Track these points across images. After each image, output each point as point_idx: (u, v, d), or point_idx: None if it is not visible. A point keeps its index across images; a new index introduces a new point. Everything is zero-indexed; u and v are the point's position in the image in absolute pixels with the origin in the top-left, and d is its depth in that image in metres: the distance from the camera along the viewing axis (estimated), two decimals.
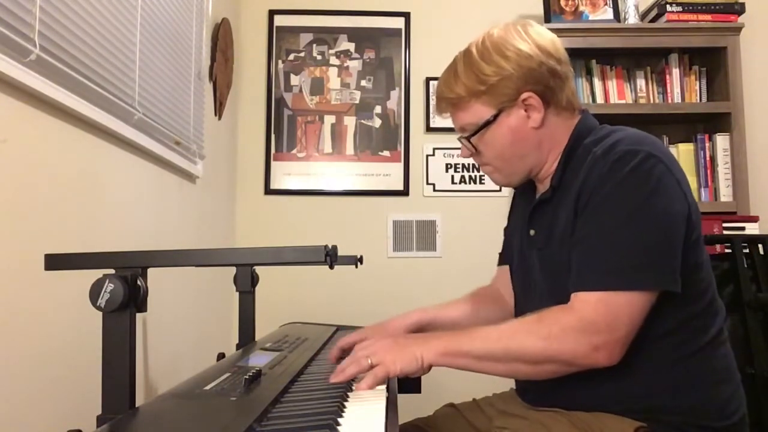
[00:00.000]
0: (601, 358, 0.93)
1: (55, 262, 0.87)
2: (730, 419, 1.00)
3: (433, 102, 2.61)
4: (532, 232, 1.13)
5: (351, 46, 2.67)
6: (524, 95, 1.07)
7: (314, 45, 2.67)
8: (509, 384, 1.25)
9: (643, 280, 0.93)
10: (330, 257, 0.86)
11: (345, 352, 1.17)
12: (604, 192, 0.97)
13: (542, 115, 1.08)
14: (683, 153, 2.44)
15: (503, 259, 1.34)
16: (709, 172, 2.41)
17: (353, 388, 0.93)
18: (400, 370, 0.97)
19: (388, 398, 0.87)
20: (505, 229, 1.34)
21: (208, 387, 0.87)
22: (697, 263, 1.01)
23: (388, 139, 2.64)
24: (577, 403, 1.02)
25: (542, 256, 1.10)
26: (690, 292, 0.98)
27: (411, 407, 1.36)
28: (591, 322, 0.92)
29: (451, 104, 1.13)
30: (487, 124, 1.09)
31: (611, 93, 2.48)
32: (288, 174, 2.61)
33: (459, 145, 1.19)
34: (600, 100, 2.47)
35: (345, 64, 2.66)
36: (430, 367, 1.00)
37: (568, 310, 0.96)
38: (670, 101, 2.46)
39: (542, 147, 1.10)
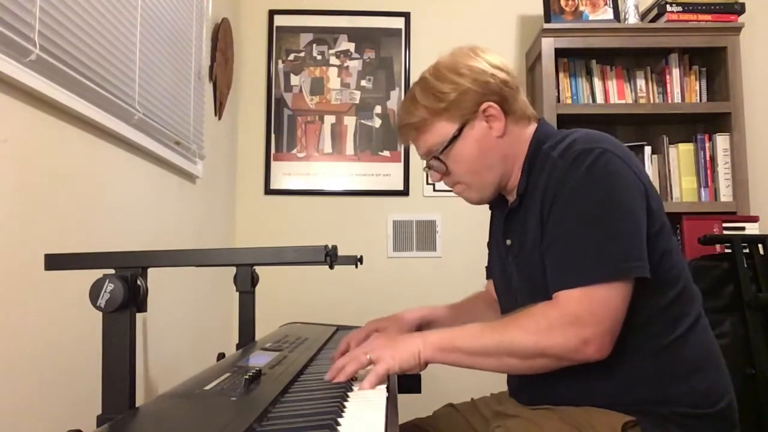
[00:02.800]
0: (591, 351, 0.94)
1: (55, 262, 0.87)
2: (716, 406, 1.02)
3: None
4: (508, 241, 1.16)
5: (351, 46, 2.67)
6: (484, 106, 1.10)
7: (314, 45, 2.67)
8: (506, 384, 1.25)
9: (621, 271, 0.96)
10: (330, 257, 0.86)
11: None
12: (566, 192, 1.00)
13: (503, 123, 1.12)
14: (683, 153, 2.44)
15: (489, 272, 1.38)
16: (709, 172, 2.41)
17: (353, 387, 0.94)
18: (399, 366, 0.98)
19: (388, 398, 0.87)
20: (488, 244, 1.36)
21: (208, 387, 0.87)
22: (665, 252, 1.02)
23: (388, 139, 2.63)
24: (568, 400, 1.04)
25: (518, 262, 1.13)
26: (661, 280, 1.01)
27: (411, 407, 1.36)
28: (577, 315, 0.94)
29: (413, 129, 1.14)
30: (453, 139, 1.11)
31: (611, 93, 2.48)
32: (288, 174, 2.61)
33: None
34: (600, 100, 2.47)
35: (345, 64, 2.66)
36: (426, 364, 1.01)
37: (553, 305, 0.98)
38: (670, 101, 2.46)
39: (507, 156, 1.13)
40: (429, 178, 1.23)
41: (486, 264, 1.38)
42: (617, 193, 0.98)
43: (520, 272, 1.13)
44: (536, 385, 1.08)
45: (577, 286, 0.96)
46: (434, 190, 2.62)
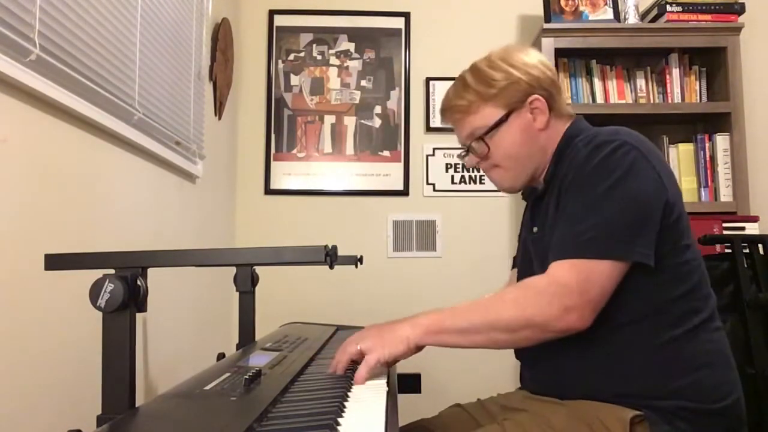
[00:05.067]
0: (573, 320, 0.96)
1: (55, 262, 0.87)
2: (722, 402, 1.02)
3: (433, 102, 2.61)
4: (535, 229, 1.19)
5: (351, 46, 2.67)
6: (531, 98, 1.16)
7: (314, 45, 2.67)
8: (514, 384, 1.25)
9: (614, 250, 0.99)
10: (330, 257, 0.86)
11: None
12: (581, 175, 1.05)
13: (547, 117, 1.17)
14: (683, 153, 2.44)
15: (515, 262, 1.39)
16: (709, 172, 2.41)
17: (353, 388, 0.94)
18: (390, 353, 1.00)
19: (388, 398, 0.87)
20: (519, 236, 1.38)
21: (208, 387, 0.87)
22: (679, 246, 1.05)
23: (388, 139, 2.63)
24: (576, 390, 1.05)
25: (537, 248, 1.16)
26: (673, 273, 1.03)
27: (412, 407, 1.36)
28: (563, 284, 0.97)
29: (460, 111, 1.19)
30: (499, 123, 1.16)
31: (611, 93, 2.48)
32: (288, 174, 2.61)
33: (459, 144, 1.25)
34: (600, 100, 2.47)
35: (345, 64, 2.66)
36: (418, 348, 1.02)
37: (542, 275, 1.01)
38: (670, 101, 2.46)
39: (546, 149, 1.18)
40: (464, 163, 1.29)
41: (514, 255, 1.41)
42: (629, 180, 1.00)
43: (537, 257, 1.16)
44: (548, 373, 1.11)
45: (568, 259, 0.99)
46: (434, 190, 2.62)
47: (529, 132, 1.16)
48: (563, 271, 0.99)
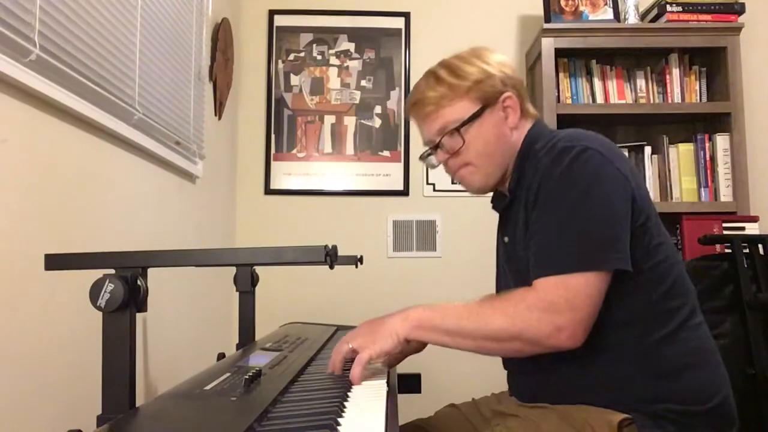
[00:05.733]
0: (564, 338, 0.95)
1: (55, 262, 0.87)
2: (709, 403, 1.02)
3: None
4: (505, 239, 1.19)
5: (351, 46, 2.67)
6: (504, 95, 1.14)
7: (314, 45, 2.67)
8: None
9: (596, 261, 0.97)
10: (330, 257, 0.86)
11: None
12: (548, 187, 1.03)
13: (518, 116, 1.16)
14: (683, 153, 2.44)
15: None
16: (709, 172, 2.41)
17: (353, 388, 0.94)
18: (381, 349, 1.00)
19: (388, 398, 0.87)
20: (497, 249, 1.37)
21: (208, 387, 0.87)
22: (651, 246, 1.04)
23: (388, 139, 2.63)
24: (566, 397, 1.05)
25: (509, 258, 1.16)
26: (649, 274, 1.02)
27: (411, 407, 1.36)
28: (551, 302, 0.96)
29: (433, 103, 1.15)
30: (474, 118, 1.13)
31: (611, 93, 2.48)
32: (288, 174, 2.61)
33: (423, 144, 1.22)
34: (600, 100, 2.47)
35: (345, 64, 2.66)
36: (408, 342, 1.03)
37: (530, 290, 1.00)
38: (670, 101, 2.46)
39: (515, 148, 1.16)
40: (428, 163, 1.23)
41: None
42: (595, 187, 1.00)
43: (510, 268, 1.16)
44: (534, 384, 1.10)
45: (553, 274, 0.98)
46: (434, 190, 2.62)
47: (502, 130, 1.15)
48: (549, 288, 0.97)
